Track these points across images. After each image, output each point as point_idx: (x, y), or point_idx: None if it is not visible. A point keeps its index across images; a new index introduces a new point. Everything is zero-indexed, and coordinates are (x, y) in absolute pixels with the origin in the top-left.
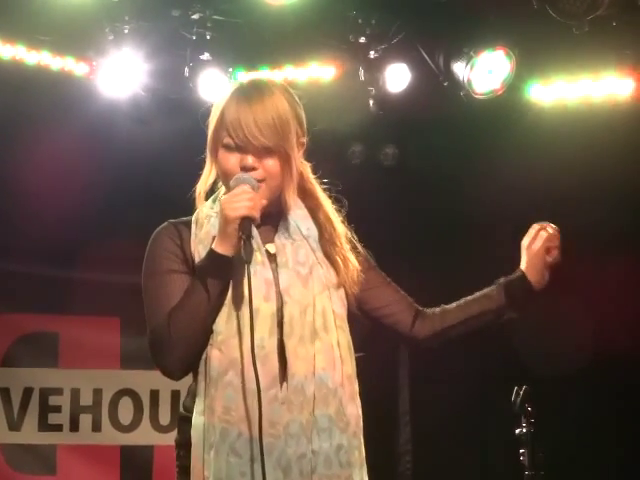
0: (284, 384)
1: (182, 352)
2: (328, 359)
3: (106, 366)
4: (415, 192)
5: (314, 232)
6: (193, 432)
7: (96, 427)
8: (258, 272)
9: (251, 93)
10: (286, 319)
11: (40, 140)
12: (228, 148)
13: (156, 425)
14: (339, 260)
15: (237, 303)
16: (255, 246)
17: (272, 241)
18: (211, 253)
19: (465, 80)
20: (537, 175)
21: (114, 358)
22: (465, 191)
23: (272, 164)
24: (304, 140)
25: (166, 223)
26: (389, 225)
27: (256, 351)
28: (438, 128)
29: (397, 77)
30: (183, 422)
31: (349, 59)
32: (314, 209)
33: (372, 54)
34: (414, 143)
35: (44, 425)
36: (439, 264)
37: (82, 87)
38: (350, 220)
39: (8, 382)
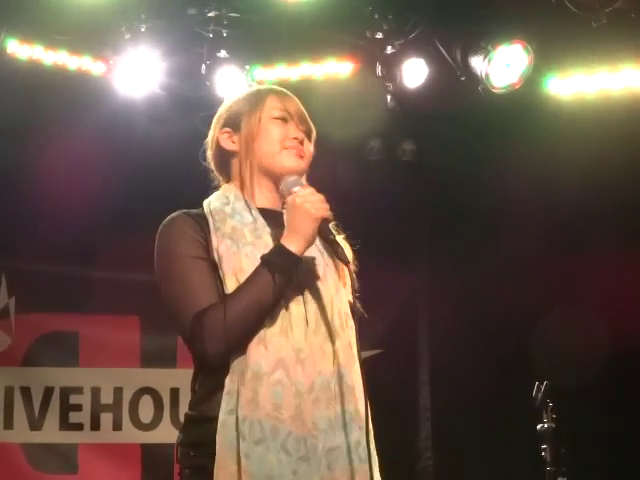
0: (317, 380)
1: (233, 337)
2: (347, 357)
3: (126, 365)
4: (433, 188)
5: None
6: (222, 430)
7: (117, 426)
8: None
9: (289, 93)
10: (310, 318)
11: (57, 140)
12: (278, 119)
13: (177, 423)
14: (339, 261)
15: (284, 301)
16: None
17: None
18: (283, 250)
19: (483, 74)
20: (556, 170)
21: (134, 356)
22: (483, 186)
23: (308, 146)
24: None
25: (181, 212)
26: (407, 221)
27: (297, 354)
28: (456, 123)
29: (414, 72)
30: (193, 422)
31: (366, 55)
32: None
33: (389, 49)
34: (432, 138)
35: (65, 424)
36: (457, 260)
37: (99, 86)
38: (368, 216)
39: (29, 382)
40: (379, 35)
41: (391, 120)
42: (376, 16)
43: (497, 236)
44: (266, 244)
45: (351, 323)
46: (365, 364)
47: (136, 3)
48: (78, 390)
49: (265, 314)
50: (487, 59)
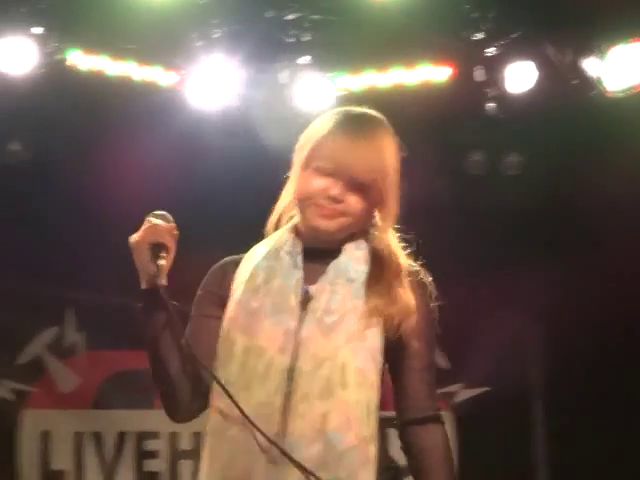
0: (279, 441)
1: (170, 400)
2: (341, 418)
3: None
4: (542, 204)
5: (362, 275)
6: None
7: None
8: (282, 321)
9: (360, 127)
10: (295, 373)
11: (123, 159)
12: (319, 171)
13: None
14: (379, 301)
15: (252, 354)
16: (293, 286)
17: (315, 281)
18: (140, 292)
19: (597, 77)
20: None
21: None
22: (599, 203)
23: (356, 202)
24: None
25: (222, 261)
26: (513, 243)
27: (260, 408)
28: (567, 132)
29: (519, 76)
30: None
31: (464, 58)
32: (378, 250)
33: (490, 51)
34: (540, 150)
35: (140, 473)
36: (571, 285)
37: (169, 98)
38: (469, 238)
39: (100, 426)
40: (479, 36)
41: (494, 130)
42: (475, 15)
43: (612, 255)
44: (269, 290)
45: (362, 379)
46: (470, 404)
47: (208, 7)
48: (154, 435)
49: (173, 354)
50: (602, 60)
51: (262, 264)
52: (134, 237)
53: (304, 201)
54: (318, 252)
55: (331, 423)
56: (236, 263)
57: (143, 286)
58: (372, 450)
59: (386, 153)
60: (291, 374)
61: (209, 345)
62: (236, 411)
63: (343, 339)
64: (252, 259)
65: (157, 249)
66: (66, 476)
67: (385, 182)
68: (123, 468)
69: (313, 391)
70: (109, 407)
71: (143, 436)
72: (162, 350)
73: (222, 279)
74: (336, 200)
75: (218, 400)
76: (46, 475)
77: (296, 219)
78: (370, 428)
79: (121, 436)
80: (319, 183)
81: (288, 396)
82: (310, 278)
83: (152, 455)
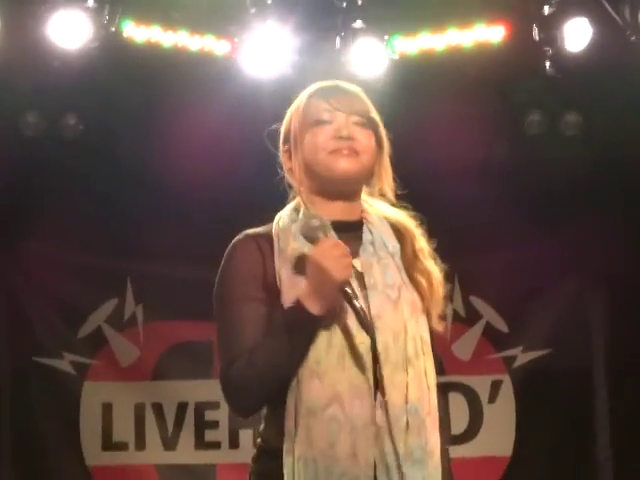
0: (378, 413)
1: (261, 400)
2: (419, 387)
3: None
4: (603, 164)
5: (398, 249)
6: (285, 469)
7: None
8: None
9: (339, 83)
10: (381, 347)
11: (180, 129)
12: (320, 124)
13: None
14: (421, 278)
15: (335, 333)
16: None
17: (357, 255)
18: (303, 312)
19: None
20: None
21: None
22: None
23: (366, 136)
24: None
25: (243, 235)
26: (575, 204)
27: (354, 388)
28: (627, 90)
29: (577, 34)
30: (264, 454)
31: (520, 16)
32: (395, 223)
33: (546, 9)
34: (600, 108)
35: (201, 443)
36: (630, 241)
37: (224, 67)
38: (529, 199)
39: (160, 397)
40: None
41: (552, 90)
42: None
43: None
44: None
45: (427, 349)
46: (530, 367)
47: None
48: (214, 405)
49: (293, 368)
50: None
51: (303, 240)
52: (338, 269)
53: (319, 153)
54: (336, 224)
55: (413, 393)
56: (267, 239)
57: (313, 310)
58: (438, 416)
59: (368, 101)
60: (373, 350)
61: (251, 330)
62: (332, 391)
63: (408, 312)
64: (286, 235)
65: (344, 285)
66: (128, 447)
67: (379, 126)
68: (184, 438)
69: (399, 363)
70: (169, 378)
71: (203, 406)
72: (289, 366)
73: (262, 259)
74: (348, 137)
75: (310, 381)
76: (109, 446)
77: (298, 199)
78: (436, 395)
79: (182, 407)
80: (325, 130)
81: (375, 371)
82: None
83: (213, 425)
